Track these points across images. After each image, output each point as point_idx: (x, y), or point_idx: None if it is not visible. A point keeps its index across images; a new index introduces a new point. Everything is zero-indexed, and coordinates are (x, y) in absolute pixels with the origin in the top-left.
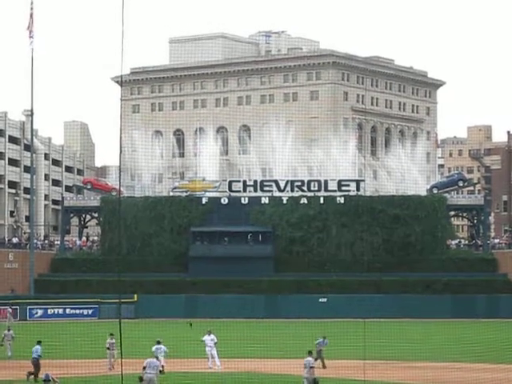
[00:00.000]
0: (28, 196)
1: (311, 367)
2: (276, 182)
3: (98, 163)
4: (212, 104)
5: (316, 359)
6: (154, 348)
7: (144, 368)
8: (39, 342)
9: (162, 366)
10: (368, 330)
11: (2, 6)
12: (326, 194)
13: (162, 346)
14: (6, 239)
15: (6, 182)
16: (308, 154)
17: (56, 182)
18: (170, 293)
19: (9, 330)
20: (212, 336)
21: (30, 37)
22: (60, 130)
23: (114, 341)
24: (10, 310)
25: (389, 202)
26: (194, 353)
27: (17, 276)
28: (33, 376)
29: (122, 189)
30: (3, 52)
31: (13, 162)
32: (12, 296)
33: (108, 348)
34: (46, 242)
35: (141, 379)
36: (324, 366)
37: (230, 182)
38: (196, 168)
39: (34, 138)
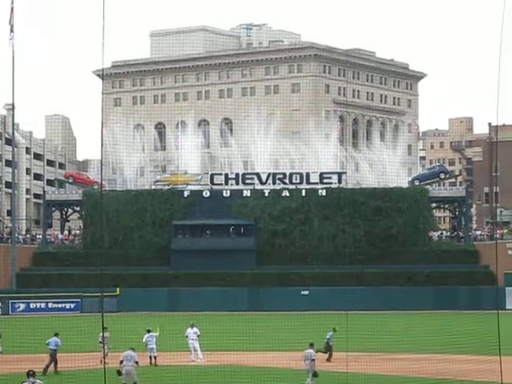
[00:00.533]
0: (10, 190)
1: (312, 359)
2: (258, 174)
3: (80, 157)
4: (193, 97)
5: (325, 352)
6: (144, 338)
7: (121, 362)
8: (56, 334)
9: (155, 358)
10: (350, 323)
11: None
12: (307, 186)
13: (153, 333)
14: None
15: None
16: (290, 146)
17: (38, 176)
18: (153, 286)
19: None
20: (195, 329)
21: (11, 31)
22: (41, 123)
23: (107, 334)
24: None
25: (371, 195)
26: (177, 346)
27: None
28: (53, 368)
29: (103, 182)
30: None
31: None
32: None
33: (100, 342)
34: (28, 236)
35: (119, 373)
36: (328, 360)
37: (212, 175)
38: (178, 161)
39: (15, 132)
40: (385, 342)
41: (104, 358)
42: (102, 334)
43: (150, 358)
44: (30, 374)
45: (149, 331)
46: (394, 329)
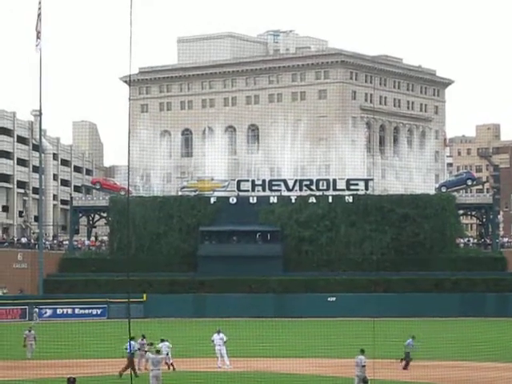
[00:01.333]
0: (37, 196)
1: (363, 366)
2: (284, 181)
3: (107, 163)
4: (220, 103)
5: (401, 360)
6: (159, 345)
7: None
8: (132, 338)
9: (172, 364)
10: (377, 329)
11: (11, 7)
12: (334, 193)
13: (166, 343)
14: (15, 239)
15: (15, 182)
16: (316, 153)
17: (65, 182)
18: (179, 292)
19: (30, 331)
20: (221, 335)
21: (38, 38)
22: (68, 129)
23: (145, 342)
24: (37, 310)
25: (397, 201)
26: (204, 352)
27: (26, 276)
28: (132, 371)
29: (130, 188)
30: (12, 52)
31: (21, 162)
32: (21, 296)
33: (139, 349)
34: (55, 241)
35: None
36: (405, 368)
37: (239, 182)
38: (204, 167)
39: (42, 138)
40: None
41: (144, 364)
42: (139, 340)
43: (167, 364)
44: (71, 380)
45: (163, 340)
46: (420, 336)
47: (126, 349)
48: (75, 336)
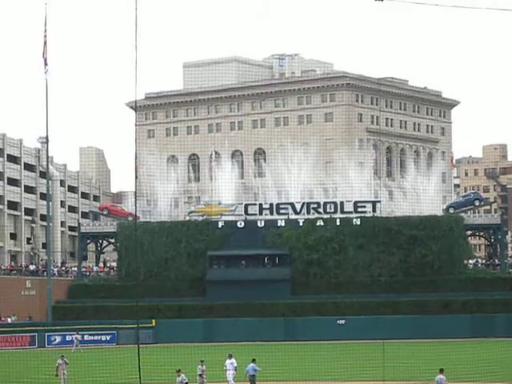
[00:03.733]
0: (44, 223)
1: None
2: (292, 204)
3: (114, 189)
4: (227, 128)
5: None
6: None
7: None
8: (254, 360)
9: None
10: (387, 352)
11: (17, 34)
12: (342, 215)
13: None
14: (24, 266)
15: (23, 209)
16: (323, 175)
17: (72, 209)
18: (188, 317)
19: (62, 359)
20: (232, 360)
21: (45, 64)
22: (75, 156)
23: (204, 367)
24: (78, 336)
25: (405, 223)
26: (214, 377)
27: (34, 303)
28: None
29: (138, 214)
30: (18, 79)
31: (29, 189)
32: (30, 323)
33: (200, 375)
34: (63, 268)
35: None
36: None
37: (246, 206)
38: (212, 192)
39: (49, 164)
40: (421, 370)
41: None
42: (199, 366)
43: None
44: None
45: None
46: (430, 357)
47: (248, 372)
48: (85, 362)
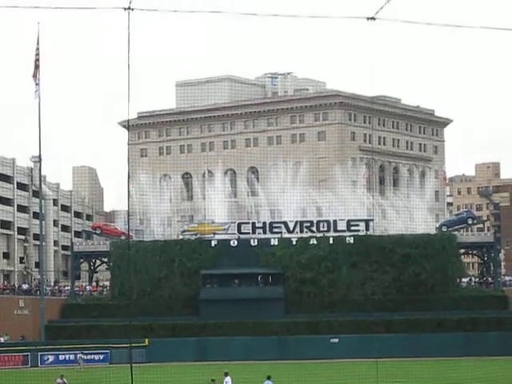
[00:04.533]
0: (37, 242)
1: None
2: (285, 223)
3: (107, 208)
4: (220, 146)
5: None
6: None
7: None
8: (269, 377)
9: None
10: (380, 370)
11: (8, 53)
12: (335, 234)
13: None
14: (16, 286)
15: (16, 229)
16: (316, 194)
17: (65, 228)
18: (182, 336)
19: (62, 378)
20: (227, 378)
21: (36, 84)
22: (68, 175)
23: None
24: (84, 356)
25: (398, 241)
26: None
27: (27, 322)
28: None
29: (131, 233)
30: (10, 98)
31: (21, 209)
32: (23, 342)
33: None
34: (56, 287)
35: None
36: None
37: (239, 224)
38: (205, 211)
39: (42, 184)
40: None
41: None
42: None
43: None
44: None
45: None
46: (424, 376)
47: None
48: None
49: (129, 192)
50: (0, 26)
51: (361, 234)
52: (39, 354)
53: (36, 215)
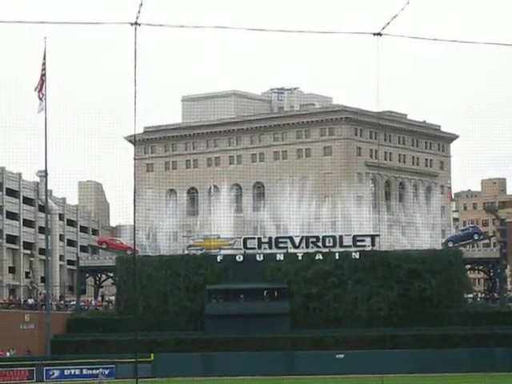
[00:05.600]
0: (43, 257)
1: None
2: (291, 238)
3: (113, 222)
4: (225, 161)
5: None
6: None
7: None
8: None
9: None
10: None
11: (14, 66)
12: (341, 249)
13: None
14: (22, 300)
15: (22, 243)
16: (322, 209)
17: (71, 243)
18: (187, 351)
19: None
20: None
21: (43, 98)
22: (74, 190)
23: None
24: (104, 371)
25: (404, 257)
26: None
27: (33, 337)
28: None
29: (136, 248)
30: (16, 112)
31: (27, 223)
32: (28, 357)
33: None
34: (62, 302)
35: None
36: None
37: (245, 239)
38: (211, 226)
39: (48, 198)
40: None
41: None
42: None
43: None
44: None
45: None
46: None
47: None
48: None
49: (135, 207)
50: (8, 40)
51: (367, 249)
52: (45, 368)
53: (42, 230)
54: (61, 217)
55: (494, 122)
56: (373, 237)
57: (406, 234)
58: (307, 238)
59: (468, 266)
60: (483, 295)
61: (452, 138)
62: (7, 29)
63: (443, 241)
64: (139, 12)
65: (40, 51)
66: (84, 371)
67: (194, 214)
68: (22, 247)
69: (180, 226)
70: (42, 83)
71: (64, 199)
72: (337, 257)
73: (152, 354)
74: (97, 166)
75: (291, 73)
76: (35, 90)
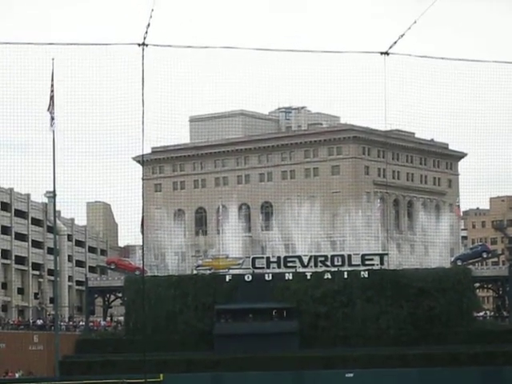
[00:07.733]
0: (52, 277)
1: None
2: (299, 257)
3: (121, 243)
4: (234, 181)
5: None
6: None
7: None
8: None
9: None
10: None
11: (24, 87)
12: (349, 268)
13: None
14: (31, 321)
15: (30, 264)
16: (331, 228)
17: (80, 263)
18: (196, 371)
19: None
20: None
21: (52, 119)
22: (83, 210)
23: None
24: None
25: (413, 275)
26: None
27: (42, 358)
28: None
29: (145, 268)
30: (25, 133)
31: (36, 244)
32: (38, 378)
33: None
34: (71, 323)
35: None
36: None
37: (254, 259)
38: (219, 245)
39: (56, 219)
40: None
41: None
42: None
43: None
44: None
45: None
46: None
47: None
48: None
49: (143, 227)
50: (16, 61)
51: (375, 268)
52: None
53: (50, 250)
54: (69, 237)
55: (502, 140)
56: (381, 256)
57: (414, 253)
58: (316, 257)
59: (477, 284)
60: (492, 313)
61: (460, 156)
62: (16, 50)
63: (452, 259)
64: (146, 33)
65: (49, 72)
66: None
67: (202, 234)
68: (30, 268)
69: (188, 246)
70: (52, 104)
71: (72, 220)
72: (345, 276)
73: (161, 375)
74: (105, 187)
75: (298, 92)
76: (48, 110)
